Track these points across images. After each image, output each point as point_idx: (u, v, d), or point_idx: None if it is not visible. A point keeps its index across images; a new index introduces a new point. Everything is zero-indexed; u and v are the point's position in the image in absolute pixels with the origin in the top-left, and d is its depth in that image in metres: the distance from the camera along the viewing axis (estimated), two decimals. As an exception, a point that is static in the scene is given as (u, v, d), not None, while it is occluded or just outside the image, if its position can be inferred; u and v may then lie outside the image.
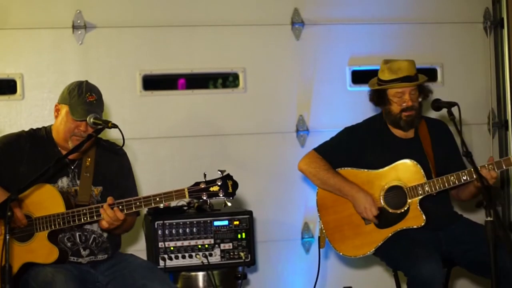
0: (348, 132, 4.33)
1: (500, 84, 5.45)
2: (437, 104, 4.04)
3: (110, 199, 3.56)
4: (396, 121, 4.19)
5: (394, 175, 4.11)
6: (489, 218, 3.33)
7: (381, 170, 4.14)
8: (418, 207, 4.05)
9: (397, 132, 4.24)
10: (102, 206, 3.54)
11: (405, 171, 4.10)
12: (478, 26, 5.46)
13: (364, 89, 5.20)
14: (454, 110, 3.93)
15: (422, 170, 4.07)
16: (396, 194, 4.10)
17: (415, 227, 4.05)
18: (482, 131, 5.43)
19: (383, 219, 4.10)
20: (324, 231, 4.20)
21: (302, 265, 5.14)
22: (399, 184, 4.09)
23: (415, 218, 4.05)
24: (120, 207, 3.53)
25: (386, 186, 4.12)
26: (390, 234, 4.08)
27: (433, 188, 4.03)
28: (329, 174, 4.17)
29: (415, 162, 4.08)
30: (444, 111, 3.96)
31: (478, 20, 5.46)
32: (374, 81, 4.29)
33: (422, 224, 4.04)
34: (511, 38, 5.39)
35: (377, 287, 5.24)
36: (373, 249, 4.11)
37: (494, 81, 5.46)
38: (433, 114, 4.57)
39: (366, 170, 4.17)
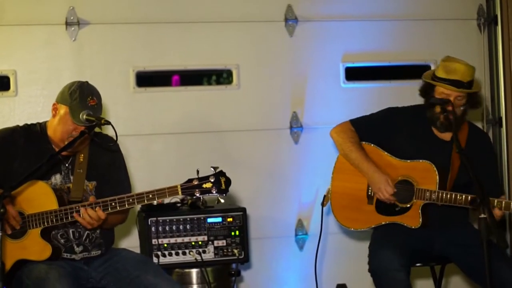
0: (388, 112, 4.29)
1: (494, 81, 5.45)
2: (431, 101, 4.04)
3: (92, 198, 3.57)
4: (433, 119, 4.12)
5: (411, 171, 4.08)
6: (482, 215, 3.32)
7: (403, 161, 4.11)
8: (420, 210, 4.03)
9: (435, 130, 4.18)
10: (92, 204, 3.53)
11: (422, 172, 4.05)
12: (472, 23, 5.46)
13: (358, 85, 5.25)
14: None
15: (438, 179, 4.01)
16: (406, 189, 4.08)
17: (408, 226, 4.06)
18: (476, 128, 5.43)
19: (384, 206, 4.12)
20: (330, 192, 4.25)
21: (295, 262, 5.14)
22: (411, 181, 4.08)
23: (412, 218, 4.05)
24: (113, 203, 3.53)
25: (399, 178, 4.10)
26: (383, 222, 4.11)
27: (439, 199, 3.97)
28: (353, 147, 4.16)
29: (435, 168, 4.02)
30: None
31: (472, 17, 5.46)
32: (430, 73, 4.21)
33: (417, 226, 4.04)
34: (505, 35, 5.39)
35: (371, 284, 5.23)
36: (365, 229, 4.18)
37: (488, 78, 5.45)
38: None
39: (389, 154, 4.16)
